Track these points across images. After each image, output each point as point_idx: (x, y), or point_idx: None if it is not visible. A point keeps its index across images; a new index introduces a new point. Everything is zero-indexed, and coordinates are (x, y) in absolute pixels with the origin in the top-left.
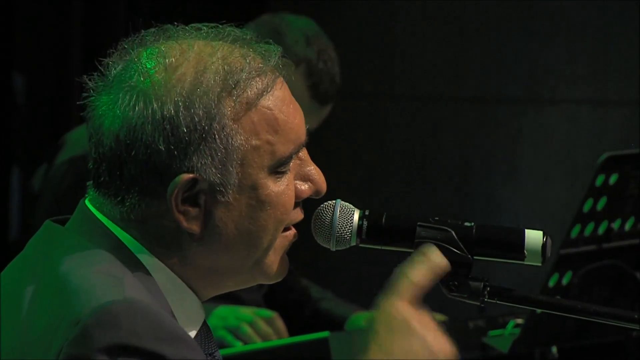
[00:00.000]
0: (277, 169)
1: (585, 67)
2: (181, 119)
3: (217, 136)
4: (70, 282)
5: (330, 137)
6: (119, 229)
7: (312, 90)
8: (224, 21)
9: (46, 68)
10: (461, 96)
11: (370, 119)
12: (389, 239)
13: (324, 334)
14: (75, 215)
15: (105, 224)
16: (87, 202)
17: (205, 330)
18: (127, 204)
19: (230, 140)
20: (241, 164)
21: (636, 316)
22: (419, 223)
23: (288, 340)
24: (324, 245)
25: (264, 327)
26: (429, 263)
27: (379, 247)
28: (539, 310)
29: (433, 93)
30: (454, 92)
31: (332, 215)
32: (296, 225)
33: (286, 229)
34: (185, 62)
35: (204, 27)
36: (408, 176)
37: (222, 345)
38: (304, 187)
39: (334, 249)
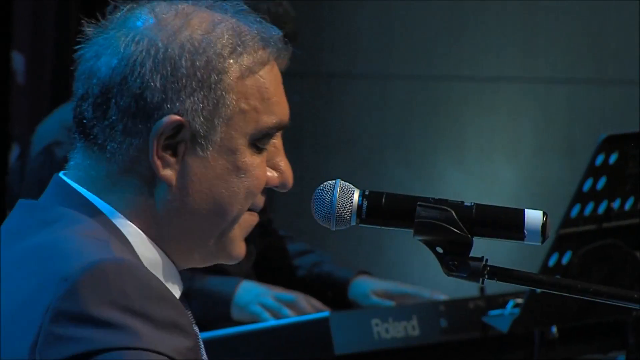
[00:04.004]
0: (257, 141)
1: (583, 45)
2: (183, 63)
3: (212, 88)
4: (56, 244)
5: (327, 118)
6: (94, 196)
7: None
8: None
9: (45, 48)
10: (459, 76)
11: (368, 99)
12: (389, 219)
13: (324, 313)
14: (49, 188)
15: (81, 192)
16: (61, 174)
17: (183, 303)
18: (109, 147)
19: (223, 96)
20: (227, 124)
21: (636, 296)
22: (418, 203)
23: (287, 320)
24: (324, 225)
25: (308, 307)
26: None
27: (378, 227)
28: (538, 290)
29: (431, 72)
30: (453, 72)
31: (332, 194)
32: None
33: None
34: (197, 14)
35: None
36: (406, 156)
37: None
38: (272, 174)
39: (333, 229)
